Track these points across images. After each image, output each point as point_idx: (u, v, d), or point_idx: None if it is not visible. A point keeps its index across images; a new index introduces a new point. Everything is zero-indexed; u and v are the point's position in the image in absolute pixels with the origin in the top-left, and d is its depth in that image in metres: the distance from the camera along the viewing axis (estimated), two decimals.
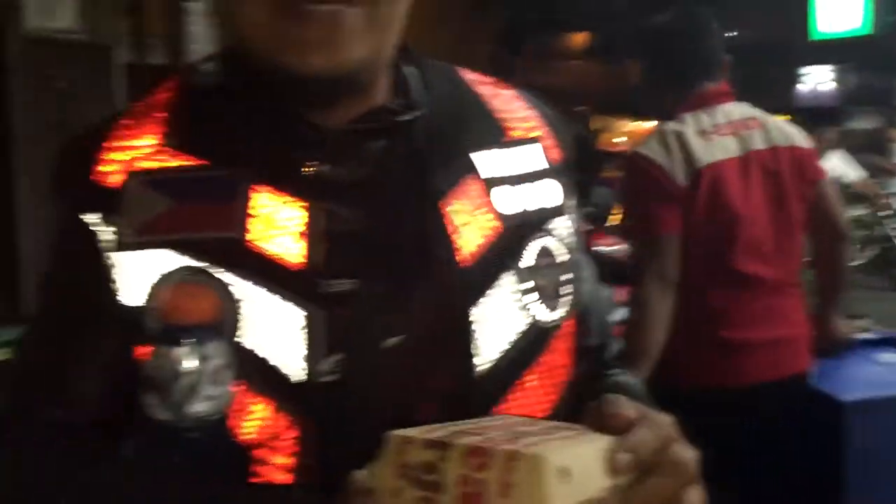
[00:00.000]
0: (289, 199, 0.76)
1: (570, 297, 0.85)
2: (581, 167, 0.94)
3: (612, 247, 3.95)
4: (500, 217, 0.82)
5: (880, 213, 8.69)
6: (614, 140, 17.81)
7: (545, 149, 0.88)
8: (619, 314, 2.15)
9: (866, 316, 2.77)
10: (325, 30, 0.73)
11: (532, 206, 0.85)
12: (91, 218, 0.77)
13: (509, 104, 0.90)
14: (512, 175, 0.85)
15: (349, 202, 0.77)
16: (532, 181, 0.86)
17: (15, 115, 3.83)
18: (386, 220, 0.79)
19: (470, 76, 0.92)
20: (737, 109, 2.21)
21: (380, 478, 0.60)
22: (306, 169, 0.77)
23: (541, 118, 0.91)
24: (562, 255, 0.85)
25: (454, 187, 0.81)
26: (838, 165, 7.36)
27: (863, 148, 9.62)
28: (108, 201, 0.77)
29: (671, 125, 2.17)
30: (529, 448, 0.56)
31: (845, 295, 2.41)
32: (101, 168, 0.79)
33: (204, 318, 0.72)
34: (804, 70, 15.57)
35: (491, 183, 0.83)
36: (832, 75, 15.74)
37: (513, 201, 0.83)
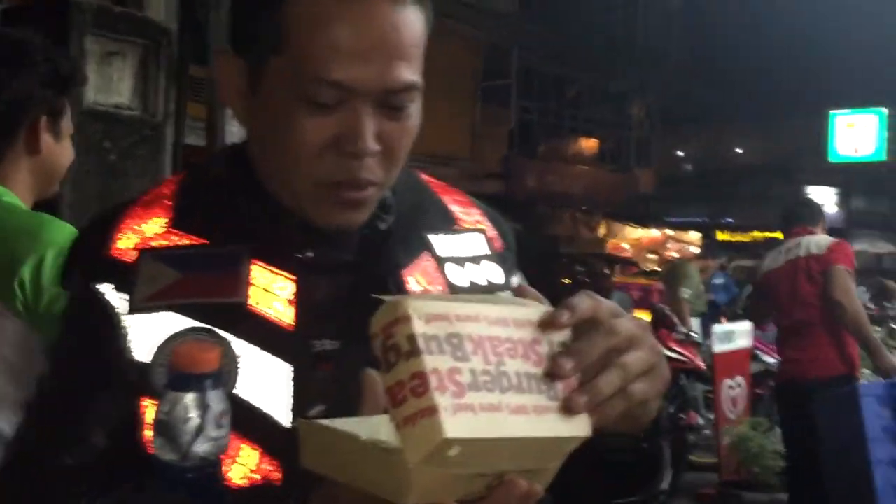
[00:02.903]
0: (281, 273, 0.92)
1: None
2: (538, 265, 1.06)
3: None
4: (450, 286, 0.99)
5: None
6: (622, 245, 17.90)
7: (489, 239, 1.07)
8: None
9: None
10: (351, 209, 0.93)
11: (477, 281, 1.02)
12: (104, 287, 0.90)
13: (459, 202, 1.09)
14: (460, 256, 1.03)
15: (331, 279, 0.94)
16: (477, 262, 1.04)
17: (65, 184, 3.84)
18: (361, 292, 0.87)
19: (429, 180, 1.10)
20: None
21: (375, 321, 0.68)
22: (299, 255, 0.93)
23: (484, 215, 1.09)
24: None
25: (413, 261, 0.99)
26: None
27: (869, 271, 9.68)
28: (121, 273, 0.90)
29: None
30: (445, 416, 0.63)
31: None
32: (115, 246, 0.92)
33: (207, 370, 0.78)
34: (809, 190, 15.81)
35: (443, 260, 1.01)
36: (836, 198, 15.93)
37: (460, 275, 1.01)
